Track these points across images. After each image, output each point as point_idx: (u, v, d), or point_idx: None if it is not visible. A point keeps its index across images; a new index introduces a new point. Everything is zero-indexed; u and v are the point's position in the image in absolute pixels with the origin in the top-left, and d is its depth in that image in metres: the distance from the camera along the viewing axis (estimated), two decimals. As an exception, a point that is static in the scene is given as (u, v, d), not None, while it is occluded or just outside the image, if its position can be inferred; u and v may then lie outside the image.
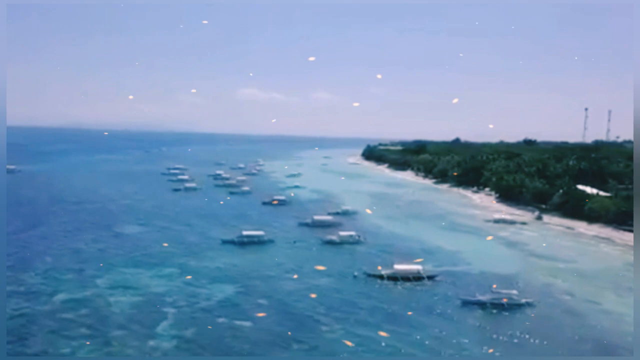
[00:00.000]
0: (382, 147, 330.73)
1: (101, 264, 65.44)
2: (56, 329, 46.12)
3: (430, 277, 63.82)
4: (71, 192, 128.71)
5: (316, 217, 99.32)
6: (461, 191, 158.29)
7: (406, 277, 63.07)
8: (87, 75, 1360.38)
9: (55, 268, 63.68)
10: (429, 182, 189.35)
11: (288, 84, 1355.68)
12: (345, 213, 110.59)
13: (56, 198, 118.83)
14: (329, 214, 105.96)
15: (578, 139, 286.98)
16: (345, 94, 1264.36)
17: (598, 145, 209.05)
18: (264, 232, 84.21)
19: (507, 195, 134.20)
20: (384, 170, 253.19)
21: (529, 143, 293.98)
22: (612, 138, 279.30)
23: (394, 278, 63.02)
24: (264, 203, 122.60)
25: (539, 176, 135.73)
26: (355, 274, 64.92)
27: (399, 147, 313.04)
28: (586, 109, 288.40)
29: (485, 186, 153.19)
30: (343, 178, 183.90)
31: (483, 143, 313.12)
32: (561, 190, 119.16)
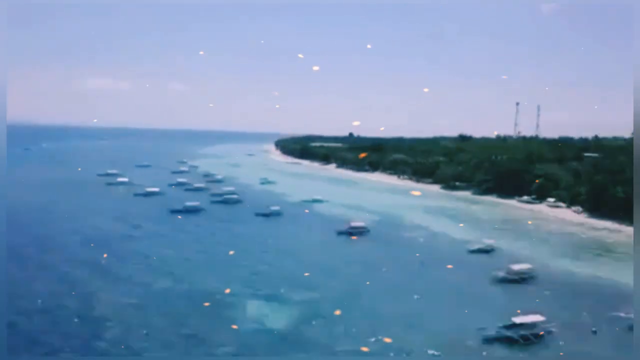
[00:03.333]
0: (316, 144, 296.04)
1: None
2: None
3: None
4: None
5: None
6: (508, 202, 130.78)
7: None
8: None
9: None
10: (433, 188, 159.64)
11: (141, 72, 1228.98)
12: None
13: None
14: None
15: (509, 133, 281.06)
16: (200, 85, 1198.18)
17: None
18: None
19: (596, 208, 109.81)
20: (341, 171, 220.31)
21: (464, 139, 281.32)
22: (542, 134, 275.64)
23: None
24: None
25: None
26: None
27: (339, 144, 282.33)
28: (517, 104, 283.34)
29: (542, 196, 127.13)
30: (341, 186, 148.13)
31: (414, 138, 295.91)
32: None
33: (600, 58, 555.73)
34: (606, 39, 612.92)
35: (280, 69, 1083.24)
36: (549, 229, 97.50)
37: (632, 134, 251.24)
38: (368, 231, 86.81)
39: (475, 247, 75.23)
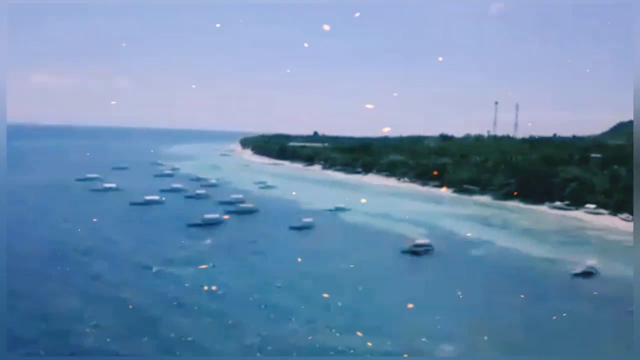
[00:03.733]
0: (297, 144, 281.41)
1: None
2: None
3: None
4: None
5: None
6: (538, 208, 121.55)
7: None
8: None
9: None
10: (443, 192, 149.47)
11: (83, 68, 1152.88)
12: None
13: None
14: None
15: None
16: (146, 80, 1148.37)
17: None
18: None
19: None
20: (329, 173, 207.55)
21: (445, 138, 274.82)
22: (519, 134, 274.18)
23: None
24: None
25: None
26: None
27: (326, 144, 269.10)
28: (496, 103, 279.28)
29: (577, 201, 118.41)
30: (346, 190, 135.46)
31: (390, 138, 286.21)
32: None
33: (581, 57, 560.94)
34: (593, 38, 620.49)
35: (245, 66, 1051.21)
36: (616, 240, 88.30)
37: (617, 127, 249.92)
38: (433, 249, 74.92)
39: (577, 269, 64.51)
